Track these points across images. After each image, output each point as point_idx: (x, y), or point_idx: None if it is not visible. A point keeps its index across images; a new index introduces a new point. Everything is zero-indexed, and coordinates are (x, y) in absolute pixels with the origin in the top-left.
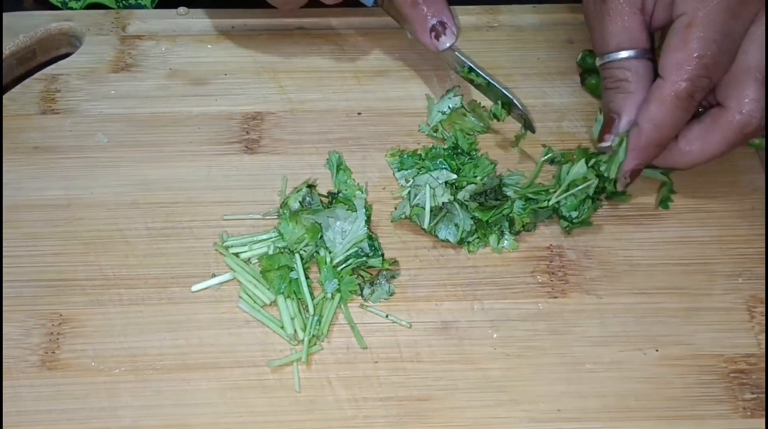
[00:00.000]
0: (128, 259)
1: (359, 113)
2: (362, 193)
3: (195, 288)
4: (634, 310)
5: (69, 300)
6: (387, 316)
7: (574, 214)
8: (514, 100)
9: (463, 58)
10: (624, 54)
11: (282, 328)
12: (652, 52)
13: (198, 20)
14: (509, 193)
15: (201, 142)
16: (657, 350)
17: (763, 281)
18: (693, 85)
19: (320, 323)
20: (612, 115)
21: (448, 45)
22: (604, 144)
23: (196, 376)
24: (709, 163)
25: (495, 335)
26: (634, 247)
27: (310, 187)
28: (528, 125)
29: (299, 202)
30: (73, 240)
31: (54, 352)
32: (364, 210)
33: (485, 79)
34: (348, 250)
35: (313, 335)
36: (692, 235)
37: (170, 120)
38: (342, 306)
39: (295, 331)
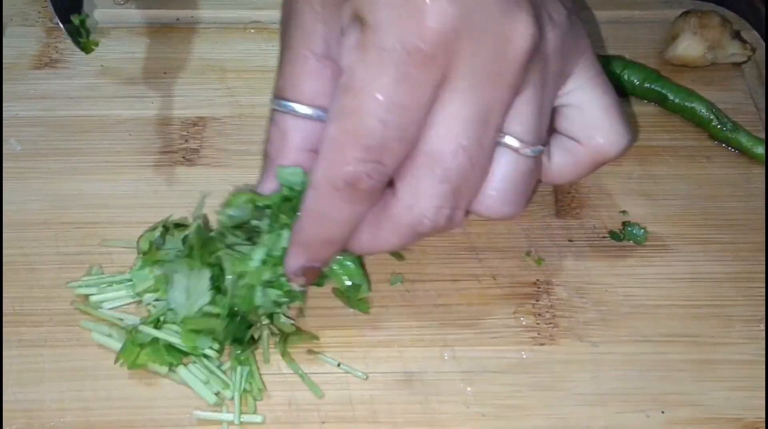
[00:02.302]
0: (33, 291)
1: None
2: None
3: None
4: (636, 362)
5: None
6: (339, 365)
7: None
8: None
9: None
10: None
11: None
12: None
13: (137, 11)
14: None
15: (131, 151)
16: (663, 412)
17: None
18: (354, 171)
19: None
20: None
21: None
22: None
23: None
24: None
25: (468, 390)
26: (635, 285)
27: (166, 228)
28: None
29: (150, 242)
30: None
31: None
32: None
33: None
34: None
35: (245, 390)
36: (704, 271)
37: (96, 125)
38: (284, 355)
39: (218, 393)
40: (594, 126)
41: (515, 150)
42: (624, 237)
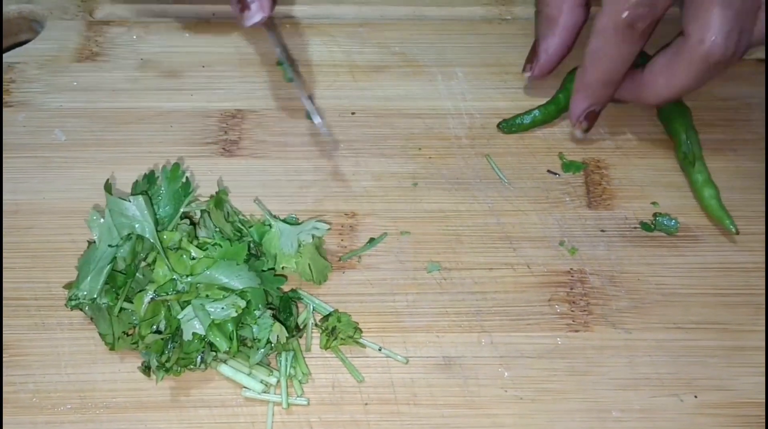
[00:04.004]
0: None
1: (353, 113)
2: None
3: None
4: (668, 348)
5: (9, 323)
6: (380, 350)
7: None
8: (312, 110)
9: (276, 47)
10: None
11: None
12: None
13: (175, 6)
14: None
15: (172, 142)
16: (695, 396)
17: None
18: (632, 14)
19: (295, 360)
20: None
21: (254, 21)
22: (525, 74)
23: (154, 416)
24: (679, 97)
25: (506, 374)
26: (667, 274)
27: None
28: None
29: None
30: (18, 252)
31: None
32: None
33: (291, 78)
34: None
35: (291, 375)
36: (734, 261)
37: (138, 116)
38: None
39: (262, 381)
40: None
41: None
42: (655, 227)
